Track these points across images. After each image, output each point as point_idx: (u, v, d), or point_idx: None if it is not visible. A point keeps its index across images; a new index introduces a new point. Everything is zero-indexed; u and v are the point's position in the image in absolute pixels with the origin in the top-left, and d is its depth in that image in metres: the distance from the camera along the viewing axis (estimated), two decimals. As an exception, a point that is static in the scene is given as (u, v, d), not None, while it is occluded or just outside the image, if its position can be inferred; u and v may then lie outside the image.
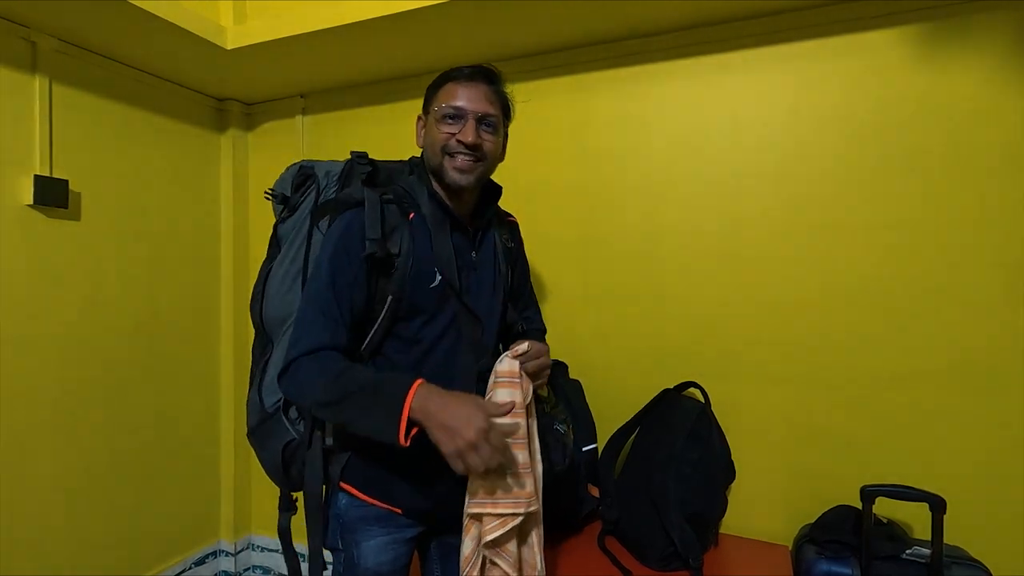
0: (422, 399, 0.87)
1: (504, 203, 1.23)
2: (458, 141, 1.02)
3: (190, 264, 2.14)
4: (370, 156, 1.15)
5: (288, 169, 1.21)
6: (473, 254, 1.11)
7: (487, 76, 1.07)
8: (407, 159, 1.19)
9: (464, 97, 1.03)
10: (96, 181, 1.81)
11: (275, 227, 1.19)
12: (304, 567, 1.12)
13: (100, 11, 1.52)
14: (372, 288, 1.02)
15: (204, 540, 2.21)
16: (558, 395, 1.55)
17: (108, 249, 1.85)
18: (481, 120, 1.04)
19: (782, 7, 1.51)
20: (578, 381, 1.65)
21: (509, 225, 1.28)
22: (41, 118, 1.64)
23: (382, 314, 1.02)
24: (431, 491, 1.05)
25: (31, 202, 1.61)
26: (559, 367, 1.66)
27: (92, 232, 1.80)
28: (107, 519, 1.85)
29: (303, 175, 1.17)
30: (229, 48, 1.73)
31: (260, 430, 1.12)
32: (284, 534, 1.14)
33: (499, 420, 0.90)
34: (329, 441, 1.07)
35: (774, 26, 1.55)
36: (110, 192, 1.85)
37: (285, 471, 1.10)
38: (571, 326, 1.77)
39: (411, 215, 1.06)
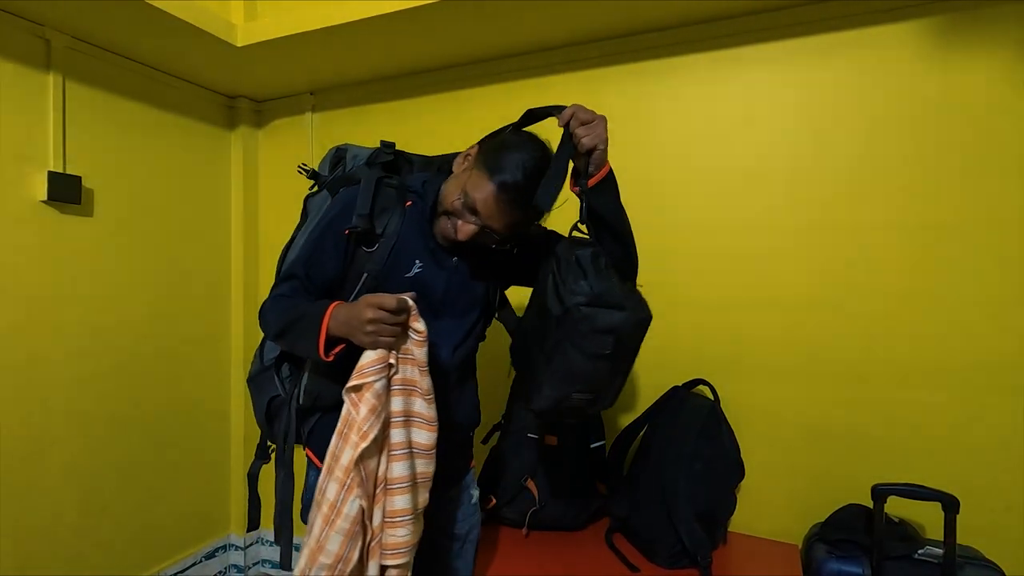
0: (334, 318, 0.96)
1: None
2: (454, 228, 1.03)
3: (201, 259, 2.15)
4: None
5: (328, 151, 1.28)
6: (454, 260, 1.11)
7: (523, 212, 1.00)
8: (439, 155, 1.22)
9: (488, 210, 0.99)
10: (108, 177, 1.82)
11: (305, 200, 1.26)
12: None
13: (113, 9, 1.53)
14: (348, 261, 1.07)
15: (214, 534, 2.23)
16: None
17: (120, 244, 1.87)
18: (489, 231, 1.02)
19: (794, 1, 1.50)
20: (586, 378, 1.65)
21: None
22: (55, 115, 1.66)
23: (356, 289, 1.06)
24: None
25: (45, 198, 1.63)
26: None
27: (104, 227, 1.82)
28: (119, 513, 1.87)
29: (338, 156, 1.24)
30: (240, 45, 1.75)
31: (256, 380, 1.19)
32: (252, 479, 1.21)
33: (382, 299, 0.92)
34: (301, 401, 1.11)
35: (787, 20, 1.53)
36: (122, 188, 1.87)
37: (269, 423, 1.16)
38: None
39: (408, 203, 1.09)
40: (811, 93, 1.52)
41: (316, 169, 1.26)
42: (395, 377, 0.95)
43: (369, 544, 0.94)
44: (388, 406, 0.94)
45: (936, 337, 1.40)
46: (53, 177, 1.63)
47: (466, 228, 1.02)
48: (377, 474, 0.94)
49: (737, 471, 1.50)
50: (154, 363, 1.98)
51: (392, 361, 0.93)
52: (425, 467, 0.99)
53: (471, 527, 1.24)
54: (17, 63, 1.59)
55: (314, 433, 1.12)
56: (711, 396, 1.53)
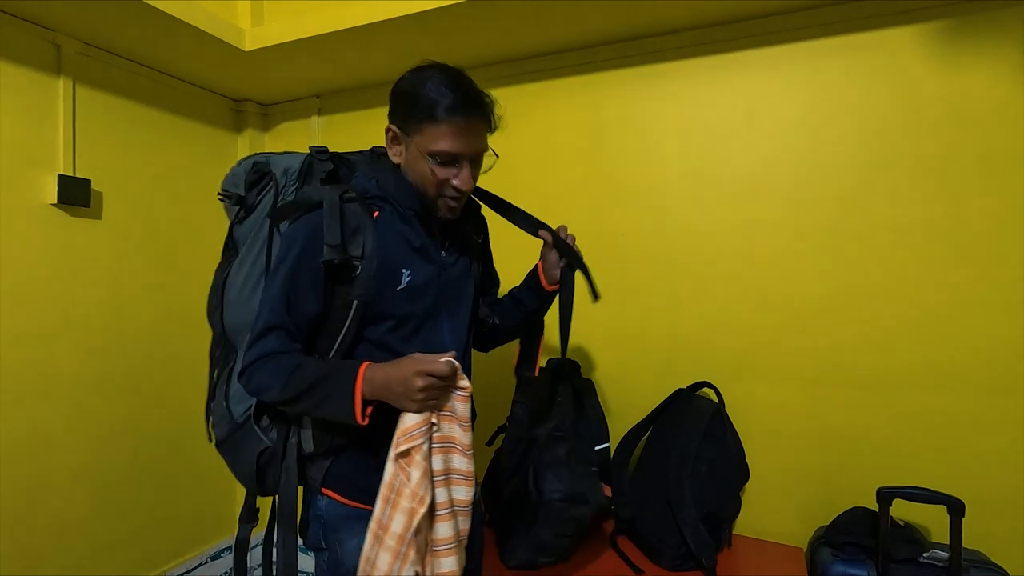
0: (369, 382, 0.92)
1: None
2: (455, 187, 0.98)
3: (207, 262, 2.13)
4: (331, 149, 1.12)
5: (241, 164, 1.12)
6: (442, 253, 1.08)
7: (483, 109, 0.98)
8: (368, 149, 1.14)
9: (462, 142, 0.95)
10: (117, 180, 1.84)
11: (231, 228, 1.13)
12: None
13: (122, 14, 1.55)
14: (330, 294, 0.99)
15: (220, 535, 2.24)
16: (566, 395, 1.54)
17: (128, 247, 1.88)
18: (475, 159, 1.00)
19: (797, 5, 1.50)
20: (590, 380, 1.65)
21: (479, 218, 1.22)
22: (65, 119, 1.68)
23: (348, 319, 0.98)
24: None
25: (55, 201, 1.64)
26: (571, 366, 1.66)
27: (113, 230, 1.83)
28: (125, 514, 1.89)
29: (258, 172, 1.09)
30: (247, 50, 1.76)
31: (231, 441, 1.08)
32: (242, 545, 1.10)
33: (434, 366, 0.90)
34: (308, 448, 1.04)
35: (789, 24, 1.53)
36: (131, 191, 1.89)
37: (260, 479, 1.06)
38: (584, 326, 1.76)
39: (375, 213, 1.01)
40: (814, 97, 1.52)
41: (231, 192, 1.12)
42: (434, 435, 0.93)
43: None
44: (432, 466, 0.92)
45: (941, 340, 1.40)
46: (63, 180, 1.65)
47: (464, 175, 0.97)
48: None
49: (742, 473, 1.49)
50: (161, 364, 1.99)
51: (434, 420, 0.92)
52: (464, 524, 0.96)
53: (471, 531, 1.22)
54: (28, 68, 1.61)
55: (331, 475, 1.04)
56: (715, 398, 1.53)
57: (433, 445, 0.92)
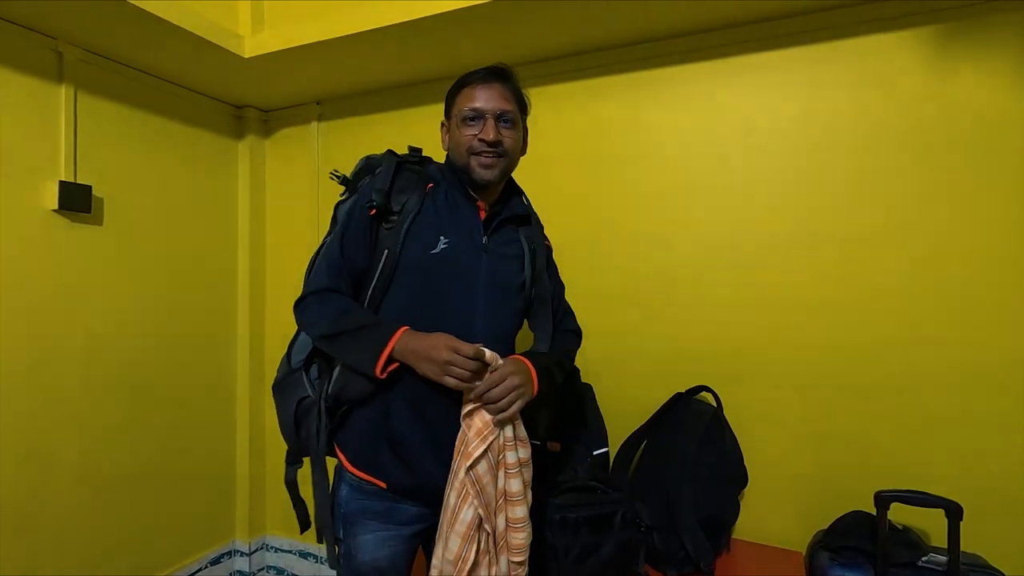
0: (403, 342, 1.02)
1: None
2: (480, 140, 1.10)
3: (208, 267, 2.18)
4: None
5: (360, 160, 1.27)
6: (484, 239, 1.13)
7: (501, 75, 1.14)
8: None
9: (482, 98, 1.10)
10: (118, 187, 1.85)
11: (335, 207, 1.25)
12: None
13: (123, 21, 1.56)
14: (372, 241, 1.10)
15: (219, 540, 2.24)
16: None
17: (129, 253, 1.89)
18: (499, 118, 1.11)
19: (794, 10, 1.51)
20: (589, 385, 1.66)
21: (540, 226, 1.30)
22: (66, 126, 1.69)
23: (379, 268, 1.09)
24: (416, 467, 1.07)
25: (56, 207, 1.65)
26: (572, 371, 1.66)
27: (114, 236, 1.84)
28: (126, 518, 1.89)
29: (369, 165, 1.22)
30: (247, 56, 1.77)
31: (282, 384, 1.20)
32: (291, 486, 1.21)
33: (462, 345, 0.99)
34: (331, 392, 1.11)
35: (786, 29, 1.55)
36: (132, 197, 1.90)
37: (296, 428, 1.15)
38: (583, 331, 1.77)
39: (429, 186, 1.14)
40: (810, 101, 1.53)
41: (348, 176, 1.24)
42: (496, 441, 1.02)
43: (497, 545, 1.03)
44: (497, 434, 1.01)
45: (939, 343, 1.40)
46: (64, 186, 1.66)
47: (487, 129, 1.09)
48: (496, 488, 1.02)
49: (740, 477, 1.50)
50: (161, 370, 2.00)
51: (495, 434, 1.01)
52: (529, 475, 1.07)
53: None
54: (30, 75, 1.62)
55: (341, 439, 1.13)
56: (714, 403, 1.53)
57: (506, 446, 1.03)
